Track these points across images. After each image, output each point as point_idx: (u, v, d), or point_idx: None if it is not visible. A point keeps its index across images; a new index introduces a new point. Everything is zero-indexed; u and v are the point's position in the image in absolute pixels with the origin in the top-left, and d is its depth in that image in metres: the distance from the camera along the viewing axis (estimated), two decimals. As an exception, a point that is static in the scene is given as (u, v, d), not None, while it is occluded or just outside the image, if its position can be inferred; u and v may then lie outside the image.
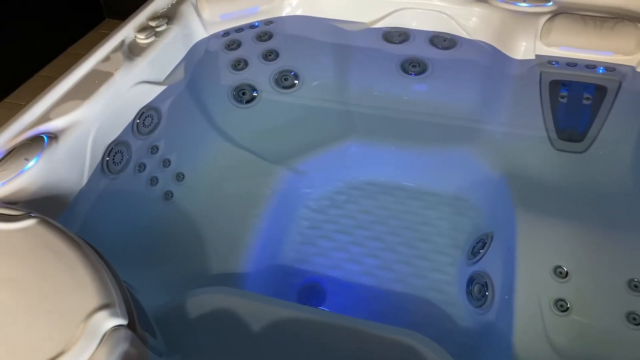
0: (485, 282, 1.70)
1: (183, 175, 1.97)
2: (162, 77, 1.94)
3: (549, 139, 2.02)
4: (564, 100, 2.06)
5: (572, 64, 2.04)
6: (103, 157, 1.64)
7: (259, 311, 1.36)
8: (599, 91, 2.03)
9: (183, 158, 1.98)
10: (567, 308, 1.50)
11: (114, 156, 1.68)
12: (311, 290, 1.81)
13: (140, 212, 1.77)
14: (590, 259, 1.57)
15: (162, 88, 1.90)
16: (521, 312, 1.51)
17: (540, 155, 1.99)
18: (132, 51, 1.85)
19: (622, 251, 1.59)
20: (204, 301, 1.40)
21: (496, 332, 1.58)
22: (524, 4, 2.07)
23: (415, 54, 2.26)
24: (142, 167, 1.81)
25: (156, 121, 1.88)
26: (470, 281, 1.76)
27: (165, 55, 1.96)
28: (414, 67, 2.26)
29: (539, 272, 1.57)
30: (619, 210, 1.74)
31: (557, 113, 2.05)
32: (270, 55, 2.33)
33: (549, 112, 2.05)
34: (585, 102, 2.04)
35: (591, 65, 2.02)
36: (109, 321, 1.05)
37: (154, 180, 1.86)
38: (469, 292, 1.75)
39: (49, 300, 1.08)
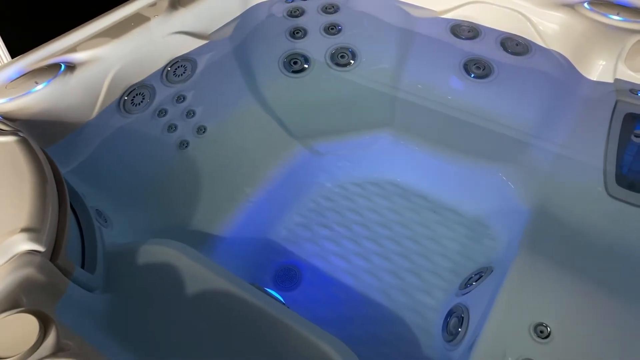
0: (462, 317, 1.52)
1: (205, 128, 2.01)
2: (208, 32, 1.97)
3: (605, 180, 1.71)
4: (638, 140, 1.72)
5: (661, 98, 1.69)
6: (121, 96, 1.72)
7: (202, 276, 1.37)
8: (688, 139, 1.67)
9: (209, 113, 2.01)
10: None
11: (134, 97, 1.76)
12: (288, 273, 1.76)
13: (149, 154, 1.84)
14: (585, 328, 1.32)
15: (203, 42, 1.92)
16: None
17: (587, 197, 1.69)
18: (180, 1, 1.89)
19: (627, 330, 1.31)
20: (156, 252, 1.42)
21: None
22: (616, 17, 1.74)
23: (481, 54, 2.03)
24: (162, 112, 1.87)
25: (190, 72, 1.92)
26: (450, 312, 1.59)
27: (215, 10, 1.98)
28: (478, 68, 2.04)
29: (516, 324, 1.35)
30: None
31: (625, 153, 1.72)
32: (332, 29, 2.25)
33: (615, 149, 1.72)
34: (665, 148, 1.69)
35: (686, 105, 1.66)
36: (23, 244, 1.11)
37: (172, 127, 1.91)
38: (446, 324, 1.58)
39: (-17, 212, 1.16)
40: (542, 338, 1.33)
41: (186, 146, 1.95)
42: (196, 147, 1.96)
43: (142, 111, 1.80)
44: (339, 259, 1.80)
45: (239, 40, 2.09)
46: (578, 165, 1.76)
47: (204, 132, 2.00)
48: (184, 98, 1.93)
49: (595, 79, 1.77)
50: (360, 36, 2.25)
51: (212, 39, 1.96)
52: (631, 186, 1.69)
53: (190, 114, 1.96)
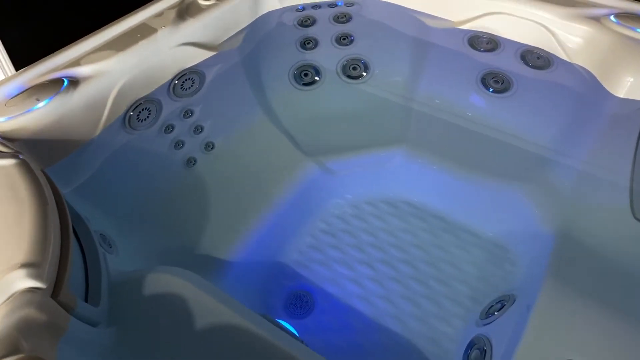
0: (485, 350, 1.45)
1: (213, 145, 1.93)
2: (216, 42, 1.89)
3: (631, 204, 1.63)
4: (667, 162, 1.64)
5: (693, 118, 1.61)
6: (126, 112, 1.64)
7: (211, 307, 1.30)
8: None
9: (218, 128, 1.93)
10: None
11: (140, 113, 1.68)
12: (300, 299, 1.68)
13: (155, 173, 1.76)
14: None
15: (211, 53, 1.85)
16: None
17: (612, 220, 1.61)
18: (188, 11, 1.81)
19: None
20: (163, 281, 1.35)
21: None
22: (644, 33, 1.66)
23: (500, 67, 1.95)
24: (169, 128, 1.79)
25: (197, 85, 1.84)
26: (471, 344, 1.51)
27: (224, 20, 1.90)
28: (497, 82, 1.96)
29: (545, 361, 1.28)
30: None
31: (653, 176, 1.65)
32: (344, 40, 2.17)
33: (642, 171, 1.65)
34: (695, 171, 1.61)
35: None
36: (24, 281, 1.04)
37: (179, 144, 1.83)
38: (467, 356, 1.50)
39: (-19, 244, 1.09)
40: (573, 377, 1.25)
41: (194, 163, 1.87)
42: (204, 164, 1.88)
43: (148, 127, 1.72)
44: (352, 283, 1.72)
45: (248, 51, 2.01)
46: (603, 186, 1.68)
47: (212, 148, 1.92)
48: (192, 113, 1.85)
49: (622, 96, 1.69)
50: (373, 47, 2.17)
51: (220, 50, 1.88)
52: (660, 210, 1.62)
53: (198, 129, 1.88)
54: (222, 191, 1.82)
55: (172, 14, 1.76)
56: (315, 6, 2.14)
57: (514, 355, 1.29)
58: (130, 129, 1.66)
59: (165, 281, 1.35)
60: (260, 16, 2.05)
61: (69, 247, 1.20)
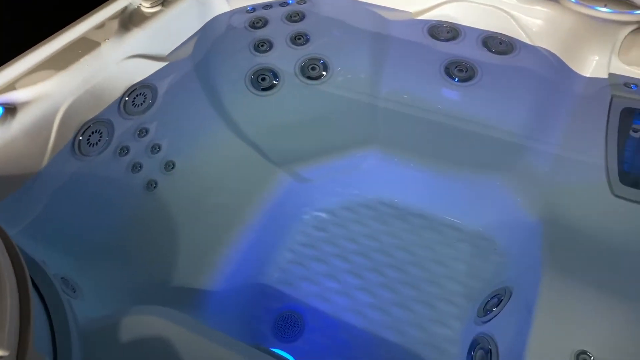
0: (490, 350, 1.39)
1: (173, 164, 1.77)
2: (165, 52, 1.74)
3: (608, 181, 1.62)
4: (637, 135, 1.66)
5: (657, 91, 1.63)
6: (75, 137, 1.47)
7: (198, 345, 1.18)
8: (687, 132, 1.61)
9: (177, 145, 1.78)
10: (585, 411, 1.18)
11: (90, 136, 1.51)
12: (288, 321, 1.57)
13: (113, 202, 1.60)
14: (631, 349, 1.22)
15: (162, 64, 1.70)
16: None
17: (593, 200, 1.60)
18: (131, 20, 1.65)
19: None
20: (140, 323, 1.21)
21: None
22: (604, 9, 1.66)
23: (463, 56, 1.92)
24: (124, 150, 1.62)
25: (150, 101, 1.69)
26: (474, 344, 1.45)
27: (172, 27, 1.75)
28: (460, 71, 1.92)
29: (557, 355, 1.23)
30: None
31: (625, 150, 1.65)
32: (299, 39, 2.07)
33: (615, 147, 1.65)
34: (665, 142, 1.63)
35: (684, 96, 1.61)
36: (-18, 352, 0.87)
37: (136, 167, 1.67)
38: (471, 358, 1.44)
39: None
40: (587, 368, 1.22)
41: (154, 187, 1.71)
42: (166, 186, 1.72)
43: (101, 151, 1.55)
44: (341, 296, 1.62)
45: (200, 59, 1.87)
46: (579, 166, 1.67)
47: (172, 168, 1.77)
48: (147, 131, 1.69)
49: (588, 75, 1.69)
50: (330, 45, 2.08)
51: (171, 60, 1.73)
52: (635, 184, 1.62)
53: (155, 148, 1.72)
54: (189, 214, 1.67)
55: (115, 24, 1.60)
56: (266, 6, 2.03)
57: (525, 353, 1.24)
58: (81, 155, 1.49)
59: (145, 323, 1.21)
60: (209, 20, 1.92)
61: (29, 301, 1.04)
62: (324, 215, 1.82)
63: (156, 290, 1.48)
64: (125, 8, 1.68)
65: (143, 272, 1.52)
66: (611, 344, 1.23)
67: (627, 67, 1.64)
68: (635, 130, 1.66)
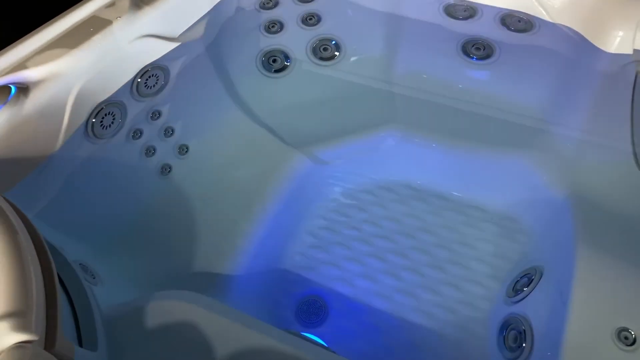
0: (524, 330, 1.36)
1: (187, 147, 1.72)
2: (176, 33, 1.68)
3: (636, 157, 1.60)
4: (664, 112, 1.63)
5: (683, 66, 1.60)
6: (88, 119, 1.40)
7: (228, 330, 1.13)
8: None
9: (190, 128, 1.72)
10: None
11: (103, 118, 1.45)
12: (311, 306, 1.53)
13: (128, 187, 1.54)
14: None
15: (174, 45, 1.63)
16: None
17: (620, 176, 1.58)
18: (143, -1, 1.59)
19: None
20: (166, 308, 1.16)
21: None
22: (629, -16, 1.63)
23: (481, 34, 1.87)
24: (137, 133, 1.57)
25: (162, 82, 1.63)
26: (506, 325, 1.42)
27: (183, 7, 1.68)
28: (478, 49, 1.87)
29: (597, 333, 1.20)
30: None
31: (652, 126, 1.62)
32: (310, 20, 2.01)
33: (640, 123, 1.62)
34: (692, 117, 1.60)
35: None
36: (12, 335, 0.82)
37: (150, 150, 1.61)
38: (503, 339, 1.41)
39: (-55, 298, 0.85)
40: (629, 345, 1.18)
41: (169, 171, 1.65)
42: (180, 170, 1.67)
43: (114, 134, 1.49)
44: (365, 280, 1.58)
45: (212, 40, 1.80)
46: (605, 144, 1.65)
47: (186, 151, 1.71)
48: (160, 114, 1.63)
49: (612, 52, 1.65)
50: (342, 25, 2.02)
51: (183, 41, 1.67)
52: (663, 161, 1.59)
53: (168, 132, 1.67)
54: (205, 199, 1.62)
55: (126, 2, 1.53)
56: (277, -14, 1.98)
57: (565, 332, 1.21)
58: (95, 138, 1.43)
59: (171, 308, 1.16)
60: (219, 1, 1.85)
61: (55, 285, 0.98)
62: (343, 198, 1.77)
63: (176, 276, 1.43)
64: (136, -14, 1.61)
65: (162, 257, 1.47)
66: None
67: (653, 42, 1.61)
68: (660, 106, 1.63)
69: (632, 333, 1.19)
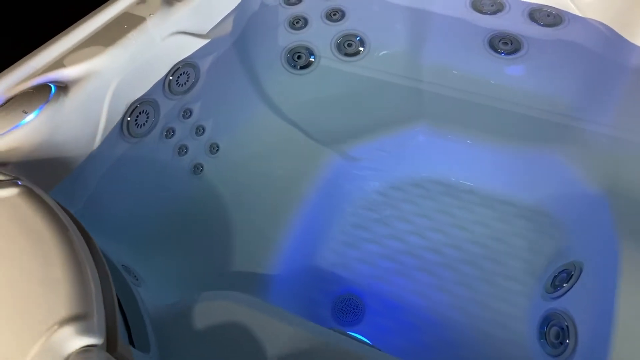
0: (567, 326, 1.35)
1: (218, 146, 1.70)
2: (205, 29, 1.66)
3: (668, 152, 1.60)
4: (697, 107, 1.62)
5: None
6: (123, 117, 1.39)
7: (274, 330, 1.12)
8: None
9: (220, 127, 1.71)
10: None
11: (137, 117, 1.43)
12: (348, 304, 1.52)
13: (163, 186, 1.52)
14: None
15: (204, 42, 1.61)
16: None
17: (654, 172, 1.58)
18: (173, -5, 1.57)
19: None
20: (213, 309, 1.15)
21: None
22: (662, -23, 1.62)
23: (508, 29, 1.86)
24: (170, 132, 1.55)
25: (193, 80, 1.61)
26: (546, 321, 1.42)
27: (212, 3, 1.67)
28: (506, 44, 1.86)
29: (644, 329, 1.20)
30: None
31: (686, 122, 1.62)
32: (335, 15, 1.99)
33: (673, 118, 1.62)
34: None
35: None
36: (77, 339, 0.81)
37: (182, 150, 1.60)
38: (543, 335, 1.41)
39: (7, 300, 0.84)
40: (676, 342, 1.18)
41: (201, 170, 1.64)
42: (212, 169, 1.65)
43: (148, 133, 1.47)
44: (400, 277, 1.57)
45: (238, 37, 1.79)
46: (636, 137, 1.64)
47: (217, 150, 1.70)
48: (191, 112, 1.62)
49: (646, 46, 1.65)
50: (366, 20, 2.01)
51: (212, 38, 1.65)
52: (696, 155, 1.59)
53: (199, 130, 1.65)
54: (238, 198, 1.61)
55: (157, -1, 1.52)
56: (301, -18, 1.96)
57: (612, 327, 1.20)
58: (130, 137, 1.41)
59: (218, 308, 1.15)
60: (246, -3, 1.84)
61: (111, 285, 0.97)
62: (373, 195, 1.76)
63: (214, 276, 1.42)
64: (165, -18, 1.59)
65: (199, 257, 1.45)
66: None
67: (686, 35, 1.60)
68: (694, 101, 1.63)
69: (682, 329, 1.19)
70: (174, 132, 1.56)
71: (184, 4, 1.55)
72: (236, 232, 1.51)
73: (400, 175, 1.80)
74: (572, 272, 1.45)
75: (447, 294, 1.53)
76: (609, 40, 1.70)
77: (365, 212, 1.72)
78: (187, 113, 1.60)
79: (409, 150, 1.79)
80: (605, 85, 1.71)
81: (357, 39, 2.00)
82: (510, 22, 1.85)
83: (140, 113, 1.43)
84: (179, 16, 1.53)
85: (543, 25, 1.81)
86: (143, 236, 1.41)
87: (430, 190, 1.77)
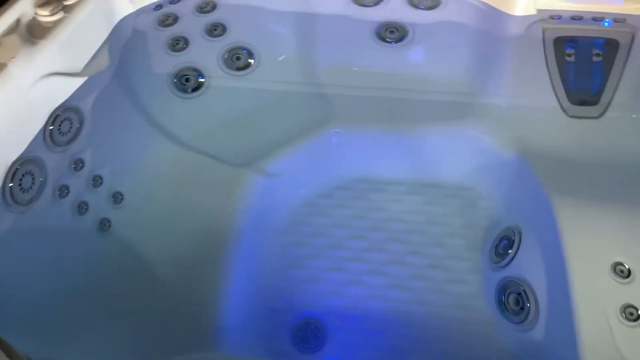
0: (523, 290, 1.38)
1: (121, 195, 1.50)
2: (79, 67, 1.46)
3: (560, 105, 1.71)
4: (572, 59, 1.76)
5: (577, 17, 1.76)
6: (4, 184, 1.15)
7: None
8: (610, 46, 1.74)
9: (118, 172, 1.51)
10: (639, 317, 1.20)
11: (21, 180, 1.20)
12: (307, 330, 1.41)
13: (67, 255, 1.30)
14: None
15: (80, 81, 1.42)
16: (583, 325, 1.19)
17: (553, 125, 1.67)
18: (33, 33, 1.35)
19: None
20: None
21: (551, 353, 1.27)
22: (519, -51, 1.73)
23: (392, 18, 1.88)
24: (63, 190, 1.33)
25: (77, 125, 1.40)
26: (503, 291, 1.43)
27: (81, 37, 1.46)
28: (392, 33, 1.88)
29: (596, 273, 1.25)
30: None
31: (566, 74, 1.75)
32: (215, 30, 1.87)
33: (557, 74, 1.73)
34: (595, 59, 1.75)
35: (599, 18, 1.75)
36: None
37: (82, 207, 1.38)
38: (503, 305, 1.42)
39: None
40: (625, 277, 1.25)
41: (109, 226, 1.43)
42: (121, 222, 1.45)
43: (38, 196, 1.25)
44: (352, 286, 1.50)
45: (117, 69, 1.60)
46: (532, 99, 1.73)
47: (121, 200, 1.50)
48: (83, 162, 1.40)
49: (519, 14, 1.75)
50: (250, 31, 1.91)
51: (88, 75, 1.45)
52: (583, 102, 1.72)
53: (97, 181, 1.44)
54: (160, 248, 1.42)
55: (14, 40, 1.29)
56: (173, 1, 1.81)
57: (566, 281, 1.23)
58: (16, 205, 1.18)
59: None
60: (116, 25, 1.65)
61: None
62: (303, 208, 1.67)
63: (158, 341, 1.23)
64: (19, 20, 1.36)
65: (130, 330, 1.25)
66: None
67: (550, 1, 1.73)
68: (569, 55, 1.76)
69: (626, 265, 1.26)
70: (67, 189, 1.34)
71: (49, 42, 1.34)
72: (166, 290, 1.33)
73: (324, 182, 1.73)
74: (513, 238, 1.49)
75: (403, 289, 1.50)
76: (487, 15, 1.78)
77: (299, 227, 1.63)
78: (78, 164, 1.39)
79: (326, 155, 1.72)
80: (493, 56, 1.78)
81: (245, 51, 1.90)
82: (392, 10, 1.87)
83: (23, 175, 1.21)
84: (45, 56, 1.31)
85: (424, 9, 1.85)
86: (52, 316, 1.18)
87: (357, 190, 1.72)
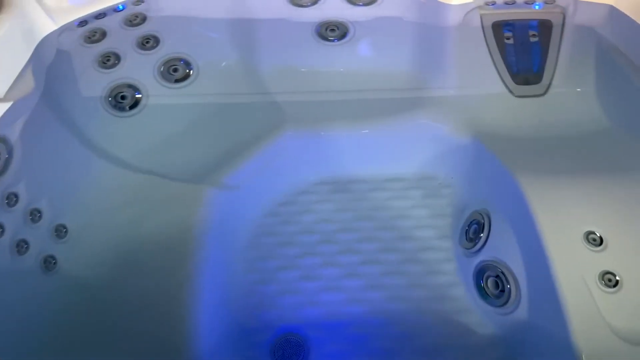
0: (502, 272, 1.37)
1: (65, 228, 1.35)
2: (1, 92, 1.31)
3: (506, 86, 1.74)
4: (511, 42, 1.80)
5: (510, 2, 1.81)
6: None
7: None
8: (544, 26, 1.80)
9: (58, 203, 1.36)
10: (617, 282, 1.21)
11: (-54, 226, 1.04)
12: (288, 345, 1.33)
13: (9, 303, 1.14)
14: (623, 218, 1.30)
15: (4, 107, 1.27)
16: (565, 297, 1.18)
17: (502, 107, 1.70)
18: (-59, 58, 1.20)
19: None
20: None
21: (538, 330, 1.25)
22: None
23: (331, 16, 1.84)
24: (-2, 230, 1.18)
25: (6, 156, 1.25)
26: (480, 275, 1.42)
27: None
28: (333, 31, 1.84)
29: (571, 244, 1.25)
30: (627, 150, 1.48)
31: (508, 56, 1.78)
32: (148, 43, 1.75)
33: (499, 57, 1.77)
34: (532, 39, 1.80)
35: (530, 1, 1.81)
36: None
37: (22, 246, 1.23)
38: (482, 290, 1.40)
39: None
40: (598, 245, 1.26)
41: (54, 263, 1.28)
42: (68, 258, 1.31)
43: (-32, 240, 1.09)
44: (328, 293, 1.44)
45: (44, 92, 1.45)
46: (479, 84, 1.75)
47: (65, 233, 1.35)
48: (17, 197, 1.25)
49: (457, 3, 1.76)
50: (184, 40, 1.80)
51: (12, 100, 1.30)
52: (527, 82, 1.76)
53: (35, 215, 1.29)
54: (113, 282, 1.30)
55: None
56: (99, 15, 1.68)
57: (547, 252, 1.23)
58: (-56, 255, 1.02)
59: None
60: (38, 44, 1.50)
61: None
62: (267, 218, 1.59)
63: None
64: None
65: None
66: (609, 218, 1.29)
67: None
68: (507, 38, 1.80)
69: (597, 234, 1.27)
70: (2, 227, 1.18)
71: (-38, 66, 1.19)
72: (131, 324, 1.20)
73: (284, 189, 1.65)
74: (482, 221, 1.48)
75: (380, 289, 1.45)
76: (425, 6, 1.78)
77: (266, 239, 1.54)
78: (11, 199, 1.24)
79: (282, 161, 1.65)
80: (438, 47, 1.78)
81: (182, 62, 1.79)
82: (330, 8, 1.83)
83: (-52, 219, 1.05)
84: (-40, 82, 1.16)
85: (362, 5, 1.83)
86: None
87: (320, 193, 1.66)
